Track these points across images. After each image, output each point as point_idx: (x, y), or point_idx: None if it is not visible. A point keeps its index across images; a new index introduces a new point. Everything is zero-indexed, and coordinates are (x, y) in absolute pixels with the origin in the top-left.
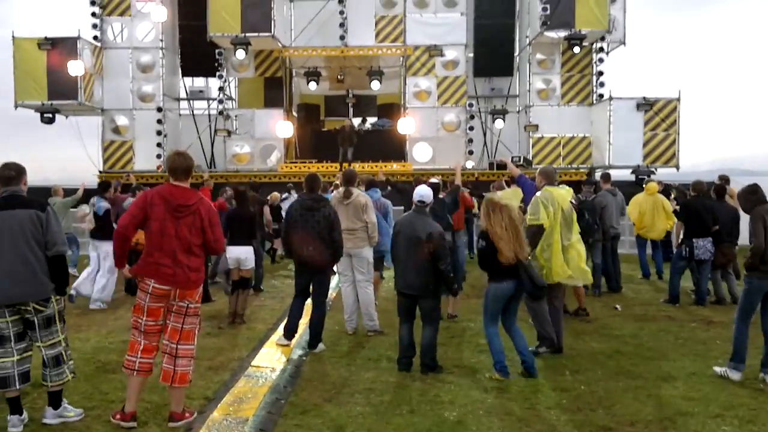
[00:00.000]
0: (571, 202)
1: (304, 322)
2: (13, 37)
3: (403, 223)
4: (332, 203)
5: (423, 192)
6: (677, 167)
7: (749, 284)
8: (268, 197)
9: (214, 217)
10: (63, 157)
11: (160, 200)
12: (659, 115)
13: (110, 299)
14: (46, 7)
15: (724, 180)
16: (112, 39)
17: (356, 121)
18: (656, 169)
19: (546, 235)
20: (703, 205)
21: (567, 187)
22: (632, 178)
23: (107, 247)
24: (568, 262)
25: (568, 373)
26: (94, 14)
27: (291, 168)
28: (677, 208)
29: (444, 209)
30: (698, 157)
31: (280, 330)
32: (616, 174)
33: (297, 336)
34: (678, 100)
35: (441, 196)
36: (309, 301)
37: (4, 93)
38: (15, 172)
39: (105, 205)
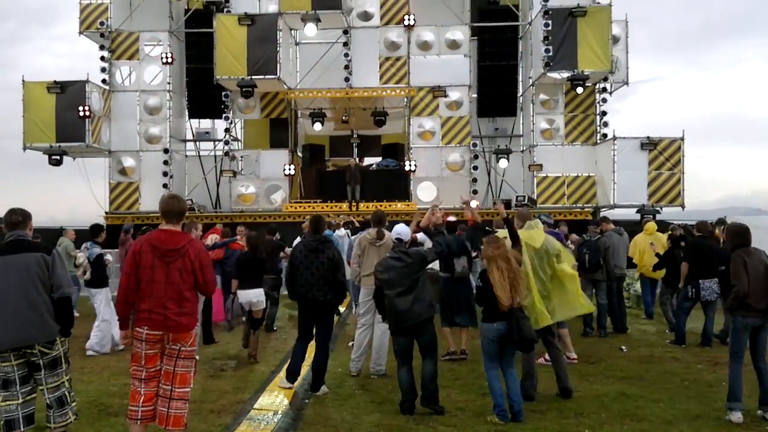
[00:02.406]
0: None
1: (307, 365)
2: (23, 81)
3: (385, 265)
4: (362, 244)
5: (401, 230)
6: (682, 206)
7: (734, 323)
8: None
9: (205, 259)
10: (70, 197)
11: (149, 247)
12: (663, 155)
13: (108, 350)
14: (56, 52)
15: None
16: (120, 82)
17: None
18: (661, 209)
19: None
20: (709, 246)
21: (539, 226)
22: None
23: (101, 295)
24: (566, 298)
25: (572, 416)
26: (103, 58)
27: (296, 208)
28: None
29: (458, 246)
30: (706, 195)
31: (283, 372)
32: (621, 213)
33: (300, 378)
34: (682, 139)
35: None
36: (312, 343)
37: (14, 134)
38: (21, 217)
39: (97, 250)
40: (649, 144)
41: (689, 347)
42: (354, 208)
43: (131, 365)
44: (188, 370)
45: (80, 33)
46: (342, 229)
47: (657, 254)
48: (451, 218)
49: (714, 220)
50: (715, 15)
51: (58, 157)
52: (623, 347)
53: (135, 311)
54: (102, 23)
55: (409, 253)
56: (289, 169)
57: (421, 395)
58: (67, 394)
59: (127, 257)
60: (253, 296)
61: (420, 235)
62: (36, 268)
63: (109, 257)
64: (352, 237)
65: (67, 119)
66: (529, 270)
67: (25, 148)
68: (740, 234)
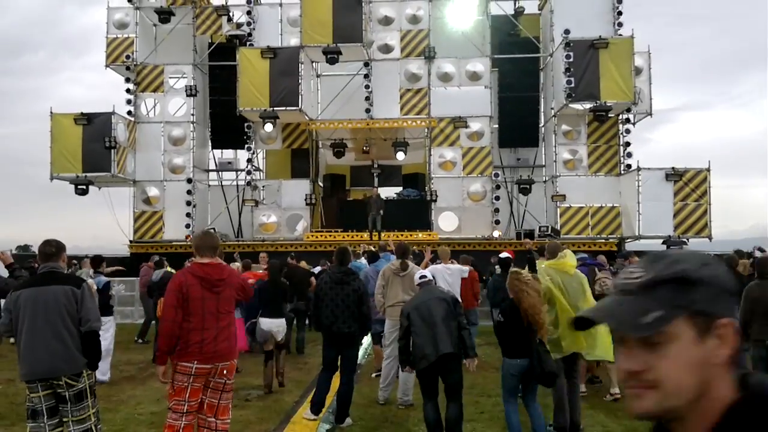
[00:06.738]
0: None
1: (331, 395)
2: (51, 112)
3: (416, 302)
4: (386, 275)
5: (422, 272)
6: (710, 237)
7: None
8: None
9: (242, 279)
10: (95, 226)
11: (195, 279)
12: (689, 186)
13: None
14: (86, 82)
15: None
16: (145, 113)
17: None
18: (688, 240)
19: (547, 311)
20: (738, 279)
21: (571, 254)
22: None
23: (109, 324)
24: (594, 337)
25: None
26: (128, 90)
27: (317, 237)
28: None
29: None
30: (735, 225)
31: (307, 403)
32: (647, 244)
33: (324, 410)
34: (708, 170)
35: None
36: (336, 374)
37: (41, 162)
38: (55, 248)
39: (104, 278)
40: (674, 175)
41: None
42: (375, 238)
43: (172, 399)
44: (229, 402)
45: (107, 66)
46: (363, 258)
47: None
48: (504, 254)
49: (745, 250)
50: (745, 43)
51: (84, 187)
52: None
53: (180, 349)
54: (128, 57)
55: (443, 292)
56: (310, 200)
57: None
58: (93, 427)
59: (171, 287)
60: (275, 326)
61: (426, 272)
62: (64, 300)
63: (113, 292)
64: (369, 266)
65: (93, 150)
66: (559, 297)
67: (52, 178)
68: (761, 265)
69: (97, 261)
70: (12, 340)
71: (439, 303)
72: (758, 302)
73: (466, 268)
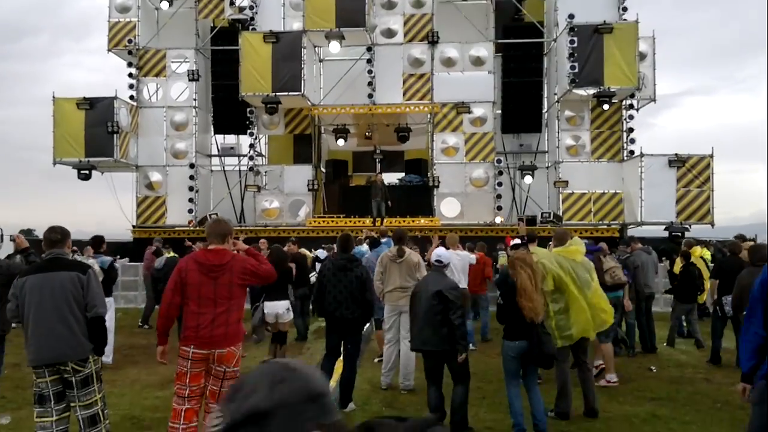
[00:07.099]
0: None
1: (334, 381)
2: (53, 97)
3: (421, 283)
4: (384, 261)
5: (441, 252)
6: (712, 224)
7: None
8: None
9: (251, 264)
10: (98, 211)
11: (195, 265)
12: (692, 172)
13: (110, 359)
14: (88, 66)
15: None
16: (147, 98)
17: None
18: (690, 226)
19: (556, 297)
20: (738, 263)
21: (579, 241)
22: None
23: (111, 304)
24: (594, 319)
25: None
26: (131, 75)
27: (319, 223)
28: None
29: None
30: (737, 211)
31: None
32: (649, 230)
33: None
34: (711, 156)
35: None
36: (339, 360)
37: (44, 147)
38: (60, 235)
39: (108, 258)
40: (677, 161)
41: (721, 368)
42: (378, 224)
43: (176, 382)
44: None
45: (109, 50)
46: (365, 244)
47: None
48: (516, 241)
49: (746, 236)
50: (750, 26)
51: (86, 172)
52: (652, 367)
53: (182, 333)
54: (130, 41)
55: (442, 289)
56: (312, 185)
57: (451, 419)
58: (100, 412)
59: (172, 274)
60: (280, 308)
61: (445, 254)
62: (70, 286)
63: (117, 265)
64: (371, 252)
65: (95, 135)
66: (569, 284)
67: (55, 163)
68: (751, 252)
69: (97, 241)
70: (14, 324)
71: (426, 297)
72: (747, 289)
73: (473, 255)
